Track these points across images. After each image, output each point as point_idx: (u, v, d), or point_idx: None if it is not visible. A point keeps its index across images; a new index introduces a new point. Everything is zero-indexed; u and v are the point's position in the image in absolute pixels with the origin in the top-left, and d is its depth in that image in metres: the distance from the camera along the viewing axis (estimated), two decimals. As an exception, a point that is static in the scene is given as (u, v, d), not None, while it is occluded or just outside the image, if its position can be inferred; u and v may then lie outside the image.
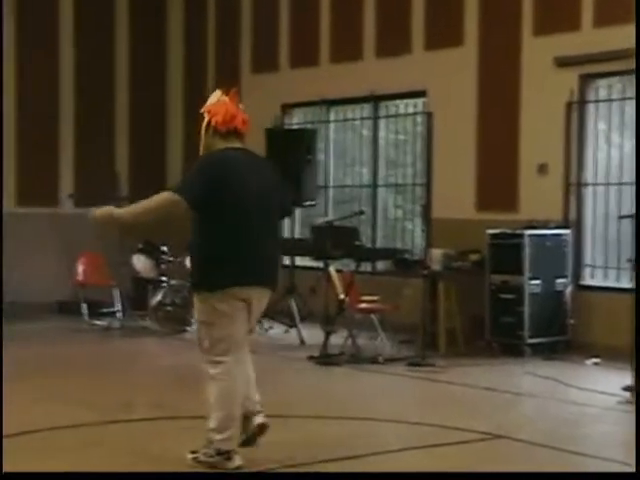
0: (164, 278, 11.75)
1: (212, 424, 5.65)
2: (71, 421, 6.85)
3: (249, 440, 5.88)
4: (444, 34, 11.42)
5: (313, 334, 10.81)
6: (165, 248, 11.84)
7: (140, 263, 11.90)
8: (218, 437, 5.63)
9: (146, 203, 5.65)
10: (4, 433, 6.37)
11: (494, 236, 10.28)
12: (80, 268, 12.55)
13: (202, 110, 5.95)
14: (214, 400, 5.67)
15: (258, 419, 5.88)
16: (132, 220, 5.71)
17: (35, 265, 13.17)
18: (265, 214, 5.72)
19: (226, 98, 5.87)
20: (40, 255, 13.27)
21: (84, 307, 12.26)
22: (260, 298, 5.76)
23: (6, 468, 5.62)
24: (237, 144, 5.83)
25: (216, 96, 5.93)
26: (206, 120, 5.90)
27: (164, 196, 5.63)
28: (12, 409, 7.26)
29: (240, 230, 5.62)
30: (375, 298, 10.27)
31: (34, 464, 5.78)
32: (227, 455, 5.64)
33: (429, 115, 11.58)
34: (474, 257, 10.53)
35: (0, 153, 12.38)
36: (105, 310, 12.44)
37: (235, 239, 5.61)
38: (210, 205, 5.59)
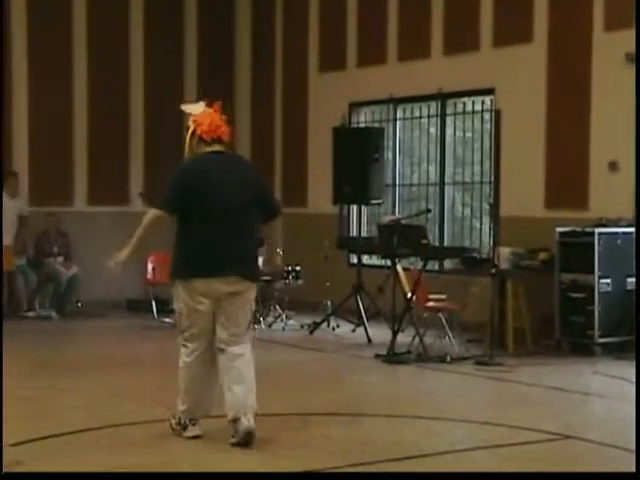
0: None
1: (178, 397, 6.42)
2: (142, 417, 6.93)
3: (240, 444, 6.16)
4: (513, 30, 11.33)
5: (380, 332, 10.81)
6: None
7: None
8: (179, 407, 6.41)
9: (142, 225, 6.39)
10: (66, 430, 6.48)
11: (564, 234, 10.16)
12: (149, 266, 12.72)
13: (189, 119, 6.48)
14: (179, 376, 6.41)
15: (244, 422, 6.14)
16: (138, 245, 6.50)
17: (100, 263, 13.31)
18: (235, 211, 6.23)
19: (211, 109, 6.45)
20: (111, 253, 13.41)
21: (153, 305, 12.42)
22: (228, 292, 6.20)
23: (71, 463, 5.71)
24: (218, 148, 6.39)
25: (200, 107, 6.50)
26: (192, 128, 6.42)
27: (151, 213, 6.36)
28: (84, 405, 7.39)
29: (204, 227, 6.21)
30: (442, 297, 10.23)
31: (106, 460, 5.86)
32: (183, 425, 6.39)
33: (497, 112, 11.46)
34: (543, 256, 10.42)
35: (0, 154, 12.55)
36: (169, 308, 12.56)
37: (200, 235, 6.22)
38: (190, 205, 6.22)
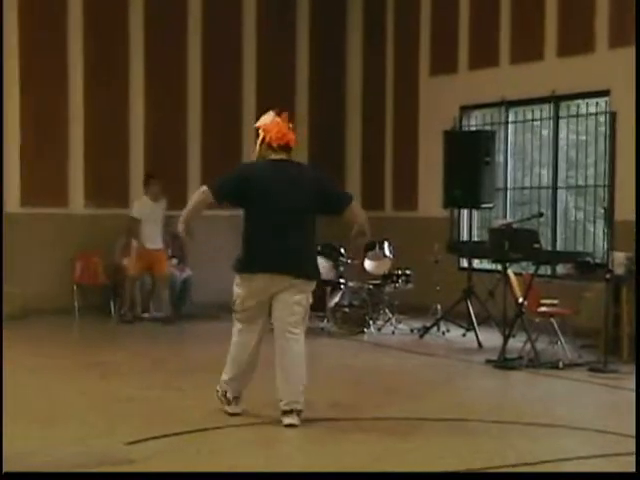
0: (342, 280, 11.87)
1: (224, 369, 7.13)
2: (253, 419, 7.01)
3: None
4: (629, 31, 11.09)
5: (491, 337, 10.71)
6: (343, 250, 11.96)
7: (319, 265, 12.03)
8: (223, 377, 7.08)
9: (191, 202, 7.10)
10: (180, 430, 6.58)
11: (681, 239, 9.90)
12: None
13: (257, 126, 7.07)
14: (230, 351, 7.10)
15: (286, 420, 6.80)
16: (187, 221, 7.10)
17: (218, 266, 13.50)
18: (287, 215, 6.81)
19: (279, 118, 6.98)
20: (223, 256, 13.59)
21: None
22: (279, 286, 6.87)
23: (187, 463, 5.81)
24: (283, 156, 6.96)
25: (270, 116, 7.01)
26: (261, 136, 6.98)
27: (199, 192, 7.04)
28: (198, 405, 7.51)
29: (258, 227, 6.89)
30: (555, 302, 10.08)
31: (218, 461, 5.95)
32: (227, 400, 7.07)
33: (613, 115, 11.26)
34: (660, 261, 10.17)
35: (0, 156, 12.71)
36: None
37: (254, 235, 6.93)
38: (238, 201, 6.96)
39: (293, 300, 6.93)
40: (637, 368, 8.62)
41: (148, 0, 13.57)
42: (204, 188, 6.98)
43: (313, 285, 7.09)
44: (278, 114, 7.01)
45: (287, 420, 6.79)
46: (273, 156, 6.94)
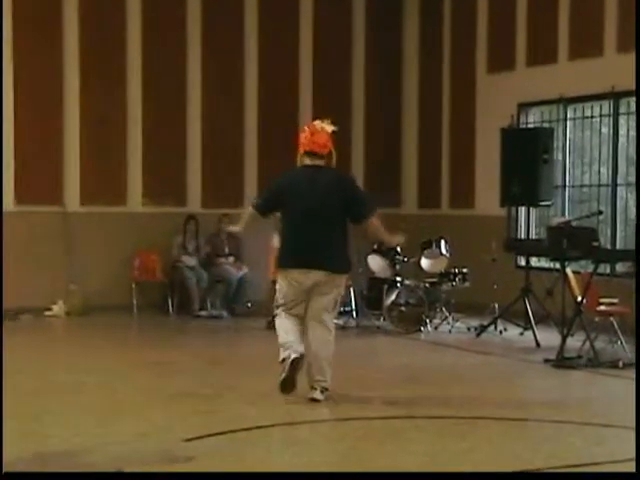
0: (398, 278, 11.85)
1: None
2: (308, 417, 7.03)
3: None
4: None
5: (549, 337, 10.62)
6: (399, 249, 11.93)
7: (375, 263, 12.05)
8: (281, 356, 7.54)
9: (243, 217, 7.96)
10: (237, 427, 6.62)
11: None
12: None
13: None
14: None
15: (311, 394, 7.44)
16: (243, 231, 8.01)
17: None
18: (315, 215, 7.52)
19: (316, 126, 7.66)
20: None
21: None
22: (311, 279, 7.50)
23: (243, 460, 5.84)
24: (316, 161, 7.65)
25: (313, 125, 7.71)
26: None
27: (247, 210, 7.94)
28: (255, 402, 7.54)
29: (292, 227, 7.64)
30: (614, 300, 9.96)
31: (271, 457, 5.97)
32: (283, 364, 7.49)
33: (673, 111, 11.10)
34: None
35: (0, 157, 12.76)
36: (341, 309, 12.67)
37: (288, 234, 7.69)
38: (278, 209, 7.77)
39: (322, 291, 7.54)
40: (637, 367, 8.42)
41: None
42: (250, 209, 7.83)
43: (343, 278, 7.70)
44: (322, 120, 7.70)
45: (311, 394, 7.42)
46: (307, 162, 7.65)
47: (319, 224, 7.55)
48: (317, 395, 7.44)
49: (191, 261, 13.16)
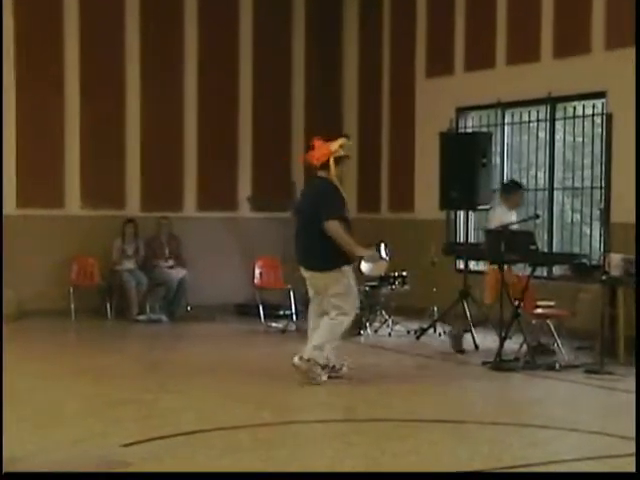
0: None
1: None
2: (248, 421, 7.01)
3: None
4: (625, 32, 11.08)
5: (487, 339, 10.71)
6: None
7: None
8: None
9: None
10: (176, 432, 6.57)
11: (677, 241, 9.92)
12: (257, 271, 12.86)
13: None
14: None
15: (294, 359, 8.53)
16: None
17: (214, 268, 13.55)
18: (303, 220, 8.72)
19: (317, 144, 8.67)
20: (219, 258, 13.65)
21: (261, 309, 12.55)
22: (306, 276, 8.74)
23: (182, 464, 5.81)
24: (319, 173, 8.72)
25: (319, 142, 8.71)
26: None
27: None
28: (194, 407, 7.50)
29: (295, 230, 8.82)
30: (551, 303, 10.08)
31: (210, 462, 5.94)
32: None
33: (609, 116, 11.27)
34: (656, 262, 10.17)
35: (-1, 158, 12.75)
36: (281, 313, 12.68)
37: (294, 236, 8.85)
38: None
39: (320, 290, 8.67)
40: (637, 369, 8.60)
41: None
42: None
43: (329, 276, 8.53)
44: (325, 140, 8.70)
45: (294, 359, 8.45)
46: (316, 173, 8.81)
47: (302, 227, 8.69)
48: (296, 361, 8.42)
49: (130, 265, 13.06)
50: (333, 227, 8.43)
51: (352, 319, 8.81)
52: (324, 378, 8.47)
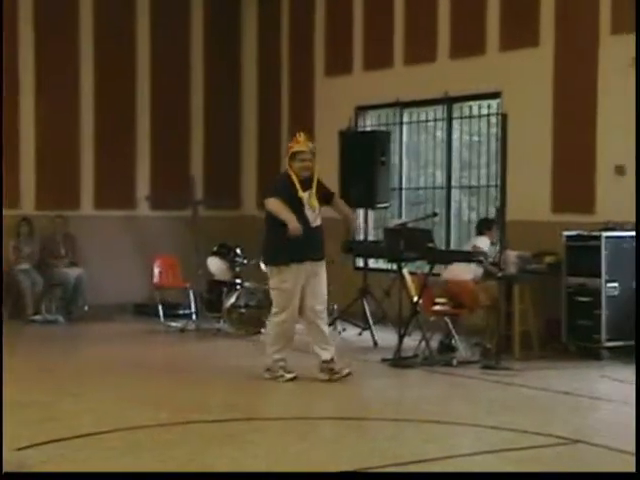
0: (238, 280, 11.82)
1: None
2: (147, 421, 6.94)
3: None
4: (519, 34, 11.31)
5: (387, 336, 10.80)
6: (239, 251, 11.92)
7: (215, 265, 11.99)
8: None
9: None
10: (75, 434, 6.48)
11: (570, 238, 10.16)
12: (156, 270, 12.73)
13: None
14: None
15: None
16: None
17: (112, 267, 13.38)
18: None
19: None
20: (117, 257, 13.48)
21: (160, 309, 12.43)
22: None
23: (81, 466, 5.72)
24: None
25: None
26: None
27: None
28: (93, 409, 7.39)
29: None
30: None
31: (109, 463, 5.87)
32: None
33: (504, 116, 11.44)
34: (549, 259, 10.41)
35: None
36: (180, 312, 12.58)
37: None
38: None
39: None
40: (637, 370, 8.61)
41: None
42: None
43: (268, 270, 8.72)
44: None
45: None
46: None
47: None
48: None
49: (25, 265, 12.79)
50: (271, 203, 8.55)
51: (285, 320, 8.71)
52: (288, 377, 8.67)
